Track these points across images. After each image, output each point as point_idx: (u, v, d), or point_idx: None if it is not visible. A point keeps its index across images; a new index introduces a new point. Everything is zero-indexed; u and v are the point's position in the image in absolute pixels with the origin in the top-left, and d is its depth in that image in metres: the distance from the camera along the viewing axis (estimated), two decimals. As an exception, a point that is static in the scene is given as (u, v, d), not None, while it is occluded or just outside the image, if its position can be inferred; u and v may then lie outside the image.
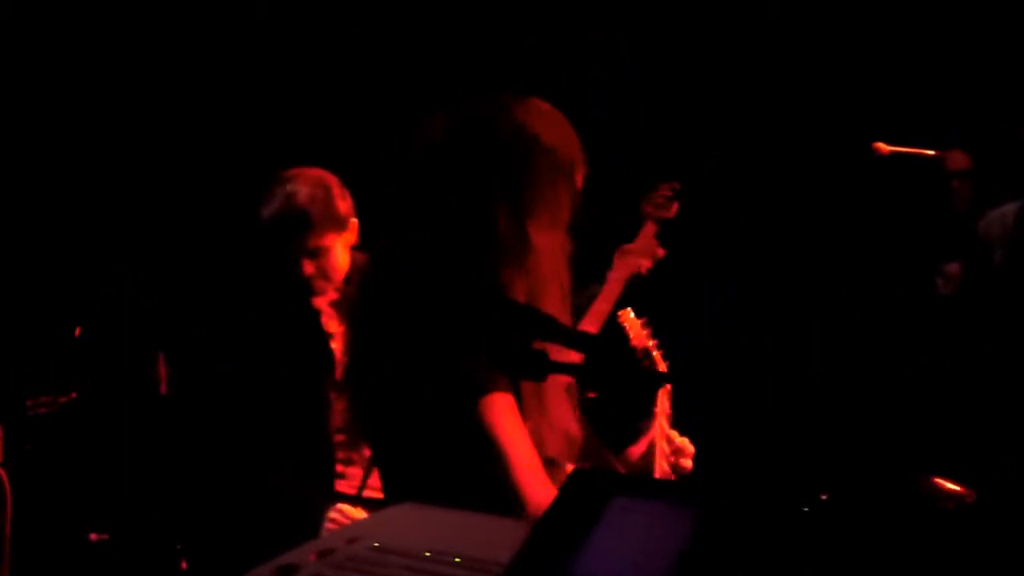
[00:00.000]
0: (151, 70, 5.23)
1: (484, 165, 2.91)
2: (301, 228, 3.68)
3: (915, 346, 4.53)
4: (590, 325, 3.95)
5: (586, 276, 3.88)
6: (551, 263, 2.97)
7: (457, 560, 1.64)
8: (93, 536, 4.67)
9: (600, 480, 1.71)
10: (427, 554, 1.65)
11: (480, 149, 2.94)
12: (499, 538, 1.63)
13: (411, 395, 2.74)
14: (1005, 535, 3.38)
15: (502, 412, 2.79)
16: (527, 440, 2.83)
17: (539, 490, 2.77)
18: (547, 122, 3.13)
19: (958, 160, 4.65)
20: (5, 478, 4.22)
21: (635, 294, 4.19)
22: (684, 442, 3.54)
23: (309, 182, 3.73)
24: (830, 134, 5.19)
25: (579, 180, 3.18)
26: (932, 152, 4.60)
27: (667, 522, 1.59)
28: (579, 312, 3.89)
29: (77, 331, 4.49)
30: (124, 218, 5.20)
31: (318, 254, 3.71)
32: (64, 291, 5.03)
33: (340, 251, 3.75)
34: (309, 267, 3.71)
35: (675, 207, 4.54)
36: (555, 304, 2.95)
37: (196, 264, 5.08)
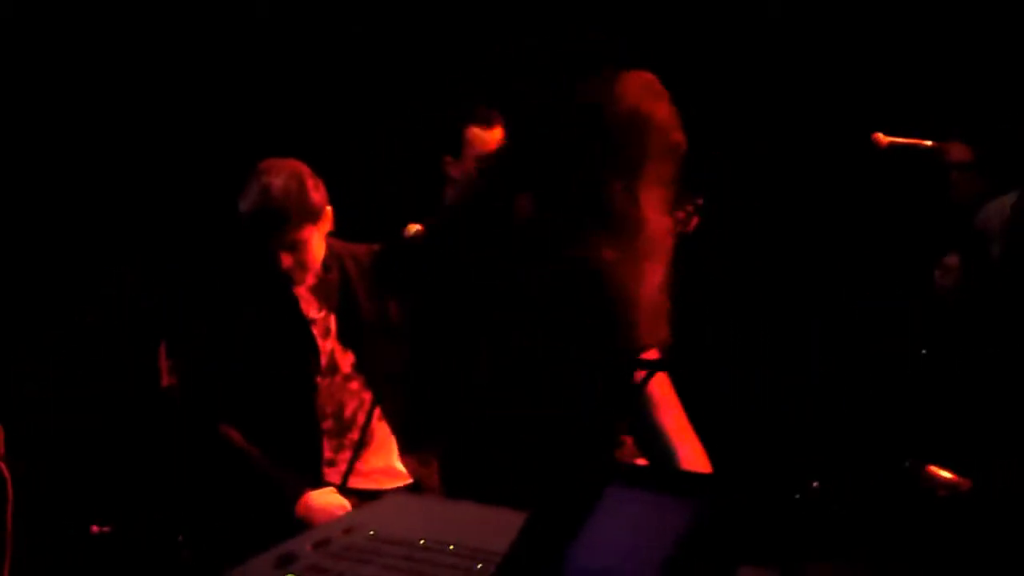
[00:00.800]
0: (151, 70, 5.23)
1: (601, 141, 2.94)
2: (277, 223, 3.72)
3: (910, 340, 4.53)
4: None
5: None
6: (660, 240, 3.01)
7: (453, 548, 1.65)
8: (95, 528, 4.69)
9: (596, 469, 1.72)
10: (422, 542, 1.66)
11: (597, 125, 2.96)
12: (494, 527, 1.64)
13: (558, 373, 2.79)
14: (999, 523, 3.39)
15: (663, 384, 2.88)
16: (683, 411, 2.92)
17: (697, 453, 2.86)
18: (660, 99, 3.15)
19: (958, 151, 4.64)
20: (6, 471, 4.24)
21: None
22: None
23: (283, 174, 3.75)
24: (829, 126, 5.19)
25: (679, 158, 3.20)
26: (931, 143, 4.59)
27: (663, 511, 1.60)
28: None
29: None
30: (124, 218, 5.21)
31: (295, 247, 3.75)
32: (64, 290, 5.03)
33: (316, 241, 3.79)
34: (287, 259, 3.76)
35: (695, 222, 4.32)
36: (658, 280, 3.00)
37: (194, 261, 5.08)
